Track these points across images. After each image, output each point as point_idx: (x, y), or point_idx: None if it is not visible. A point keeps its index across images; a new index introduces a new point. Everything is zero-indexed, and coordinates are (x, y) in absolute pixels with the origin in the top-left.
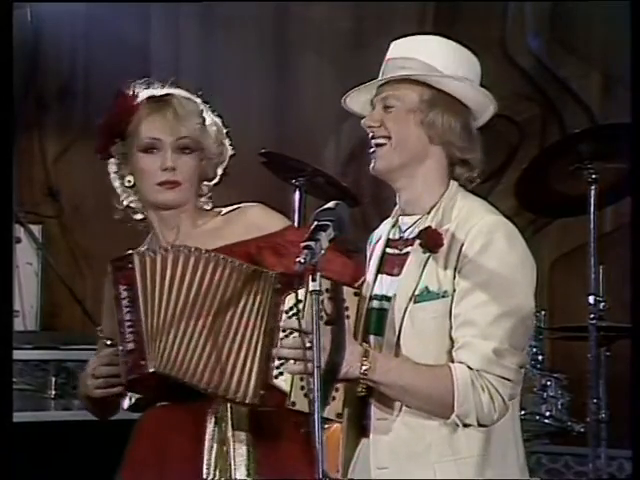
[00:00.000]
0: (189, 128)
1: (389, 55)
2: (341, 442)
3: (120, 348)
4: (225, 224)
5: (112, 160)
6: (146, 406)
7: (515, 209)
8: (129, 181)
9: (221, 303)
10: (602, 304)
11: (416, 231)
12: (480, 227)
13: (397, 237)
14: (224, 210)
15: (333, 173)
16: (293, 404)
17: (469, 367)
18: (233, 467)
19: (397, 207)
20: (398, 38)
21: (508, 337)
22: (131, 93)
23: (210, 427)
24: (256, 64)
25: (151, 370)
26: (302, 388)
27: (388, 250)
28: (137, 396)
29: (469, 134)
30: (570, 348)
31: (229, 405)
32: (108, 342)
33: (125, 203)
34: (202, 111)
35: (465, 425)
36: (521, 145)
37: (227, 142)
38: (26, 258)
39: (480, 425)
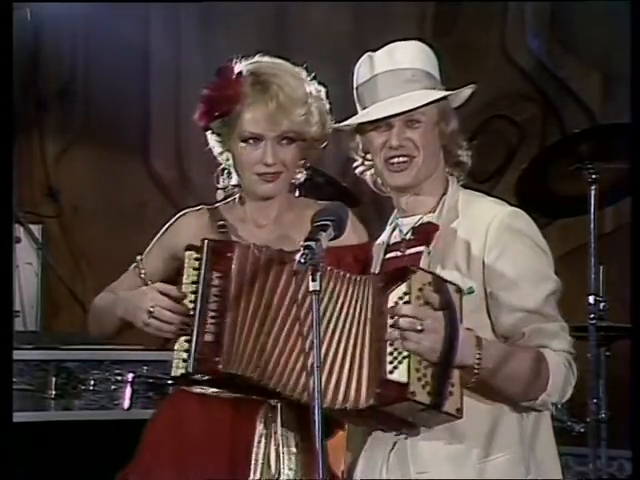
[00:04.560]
0: (292, 121)
1: (379, 68)
2: (347, 443)
3: (195, 333)
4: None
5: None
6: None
7: None
8: (227, 159)
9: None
10: (602, 304)
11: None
12: (499, 221)
13: (399, 240)
14: (310, 204)
15: (333, 173)
16: (413, 394)
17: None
18: (281, 469)
19: (395, 211)
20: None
21: (558, 311)
22: (236, 72)
23: (260, 427)
24: None
25: (226, 370)
26: (419, 379)
27: (389, 255)
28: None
29: (462, 136)
30: None
31: (279, 406)
32: (147, 280)
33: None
34: (308, 93)
35: (549, 406)
36: (521, 145)
37: (329, 119)
38: (26, 258)
39: (554, 403)
